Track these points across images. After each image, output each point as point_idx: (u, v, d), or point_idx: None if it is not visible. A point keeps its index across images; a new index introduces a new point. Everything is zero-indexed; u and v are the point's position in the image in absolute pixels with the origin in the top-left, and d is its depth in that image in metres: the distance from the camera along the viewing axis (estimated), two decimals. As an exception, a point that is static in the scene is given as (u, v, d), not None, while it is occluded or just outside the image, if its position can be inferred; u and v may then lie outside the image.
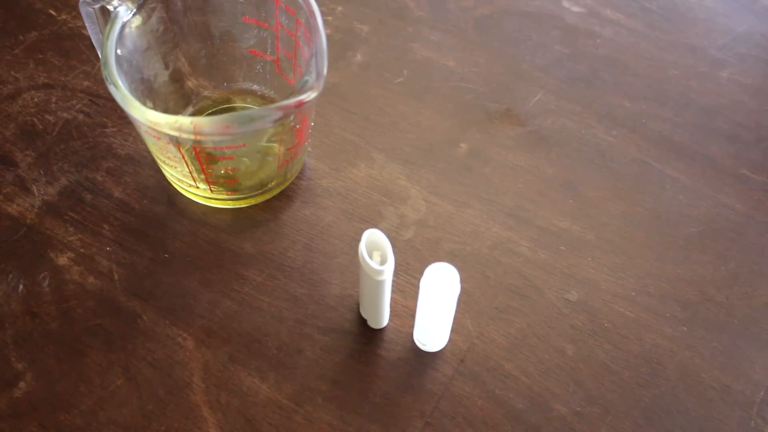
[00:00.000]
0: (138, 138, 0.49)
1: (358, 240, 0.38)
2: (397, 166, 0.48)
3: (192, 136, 0.37)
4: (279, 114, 0.36)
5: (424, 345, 0.41)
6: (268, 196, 0.46)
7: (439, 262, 0.36)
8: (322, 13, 0.57)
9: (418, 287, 0.37)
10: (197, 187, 0.44)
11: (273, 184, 0.46)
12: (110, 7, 0.40)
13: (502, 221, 0.46)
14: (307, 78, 0.37)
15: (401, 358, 0.41)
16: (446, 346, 0.41)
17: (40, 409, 0.39)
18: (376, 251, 0.36)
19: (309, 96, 0.36)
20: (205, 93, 0.49)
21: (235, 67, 0.49)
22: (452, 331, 0.41)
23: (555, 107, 0.52)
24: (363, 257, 0.35)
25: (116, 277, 0.43)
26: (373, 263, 0.35)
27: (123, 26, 0.40)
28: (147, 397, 0.39)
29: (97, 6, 0.41)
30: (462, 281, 0.41)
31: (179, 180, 0.44)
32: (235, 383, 0.39)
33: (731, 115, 0.52)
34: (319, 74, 0.37)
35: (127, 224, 0.45)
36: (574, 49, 0.56)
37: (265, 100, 0.49)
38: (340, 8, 0.57)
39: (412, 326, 0.41)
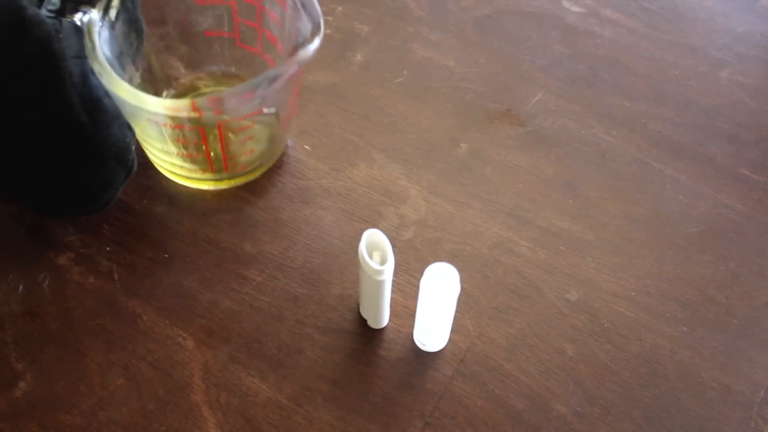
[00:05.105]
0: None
1: (358, 240, 0.38)
2: (397, 166, 0.48)
3: (212, 114, 0.38)
4: (293, 68, 0.38)
5: (424, 345, 0.41)
6: (257, 174, 0.47)
7: (439, 262, 0.36)
8: (322, 13, 0.57)
9: (418, 287, 0.37)
10: (209, 171, 0.45)
11: (267, 157, 0.47)
12: (77, 21, 0.39)
13: (502, 221, 0.46)
14: (302, 30, 0.39)
15: (401, 358, 0.41)
16: (446, 346, 0.41)
17: (40, 409, 0.39)
18: (376, 251, 0.36)
19: (315, 44, 0.38)
20: (174, 84, 0.49)
21: (198, 52, 0.49)
22: (452, 331, 0.41)
23: (555, 107, 0.52)
24: (363, 257, 0.35)
25: (116, 277, 0.43)
26: (373, 263, 0.35)
27: (99, 34, 0.40)
28: (147, 397, 0.39)
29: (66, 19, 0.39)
30: (462, 281, 0.41)
31: (184, 170, 0.45)
32: (235, 383, 0.39)
33: (731, 115, 0.52)
34: (315, 23, 0.39)
35: (127, 224, 0.45)
36: (574, 49, 0.56)
37: (233, 78, 0.50)
38: (340, 8, 0.57)
39: (412, 326, 0.41)
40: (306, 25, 0.39)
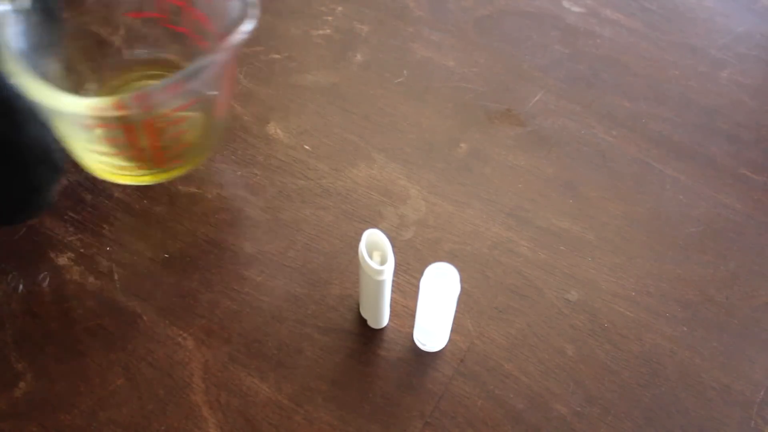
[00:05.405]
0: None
1: (358, 240, 0.38)
2: (397, 166, 0.48)
3: (140, 110, 0.35)
4: (223, 55, 0.36)
5: (424, 345, 0.41)
6: (196, 164, 0.46)
7: (439, 262, 0.36)
8: (322, 13, 0.57)
9: (418, 287, 0.37)
10: (144, 167, 0.43)
11: (204, 146, 0.46)
12: None
13: (502, 221, 0.46)
14: (230, 10, 0.36)
15: (401, 358, 0.41)
16: (446, 346, 0.41)
17: (40, 409, 0.39)
18: (376, 251, 0.36)
19: (248, 26, 0.36)
20: (99, 74, 0.47)
21: (122, 36, 0.46)
22: (452, 331, 0.41)
23: (555, 107, 0.52)
24: (363, 257, 0.35)
25: (116, 277, 0.43)
26: (373, 263, 0.35)
27: (9, 28, 0.36)
28: (147, 397, 0.39)
29: None
30: (462, 281, 0.41)
31: (116, 167, 0.43)
32: (235, 383, 0.39)
33: (731, 115, 0.52)
34: (243, 2, 0.36)
35: (127, 224, 0.45)
36: (574, 49, 0.56)
37: (163, 62, 0.47)
38: (340, 8, 0.57)
39: (412, 326, 0.41)
40: (234, 5, 0.36)
